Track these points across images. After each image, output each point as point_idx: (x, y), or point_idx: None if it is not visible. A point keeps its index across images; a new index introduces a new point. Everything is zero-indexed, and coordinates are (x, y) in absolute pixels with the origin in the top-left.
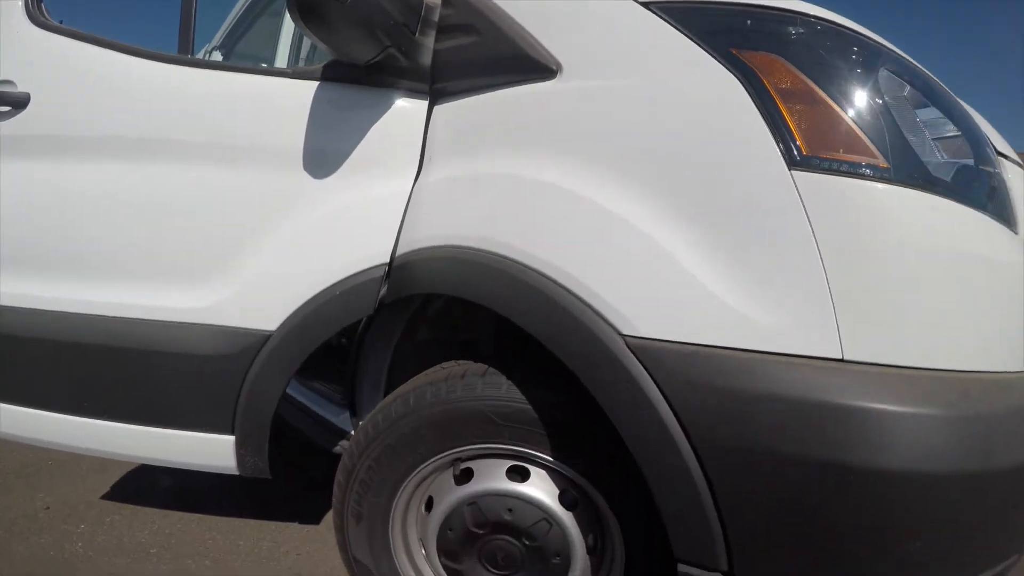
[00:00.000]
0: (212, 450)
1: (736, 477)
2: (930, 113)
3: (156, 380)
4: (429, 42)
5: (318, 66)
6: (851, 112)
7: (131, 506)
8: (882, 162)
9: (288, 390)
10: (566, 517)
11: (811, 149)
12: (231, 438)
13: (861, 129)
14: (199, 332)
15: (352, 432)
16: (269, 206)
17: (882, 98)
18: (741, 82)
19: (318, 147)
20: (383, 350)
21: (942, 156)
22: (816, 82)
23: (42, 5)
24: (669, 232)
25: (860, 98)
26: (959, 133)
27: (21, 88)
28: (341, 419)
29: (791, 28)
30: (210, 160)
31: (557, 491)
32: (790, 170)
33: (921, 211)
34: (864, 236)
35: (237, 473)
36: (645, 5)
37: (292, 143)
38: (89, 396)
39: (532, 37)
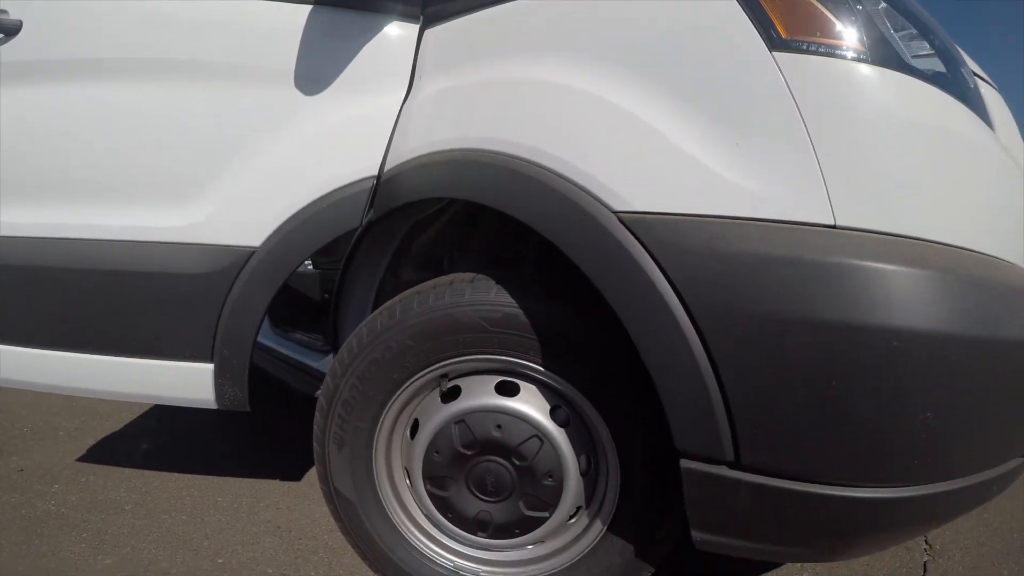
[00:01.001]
0: (190, 380)
1: (735, 343)
2: (905, 28)
3: (133, 305)
4: None
5: None
6: (829, 5)
7: (107, 467)
8: (858, 45)
9: (268, 342)
10: (558, 434)
11: (789, 33)
12: (210, 366)
13: (835, 16)
14: (180, 251)
15: None
16: (254, 124)
17: (861, 4)
18: None
19: (307, 68)
20: (366, 290)
21: (918, 39)
22: None
23: None
24: (657, 113)
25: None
26: (932, 52)
27: (14, 16)
28: (322, 363)
29: None
30: (197, 79)
31: (548, 407)
32: (771, 52)
33: (902, 89)
34: (847, 108)
35: (215, 407)
36: None
37: (280, 63)
38: (61, 327)
39: None
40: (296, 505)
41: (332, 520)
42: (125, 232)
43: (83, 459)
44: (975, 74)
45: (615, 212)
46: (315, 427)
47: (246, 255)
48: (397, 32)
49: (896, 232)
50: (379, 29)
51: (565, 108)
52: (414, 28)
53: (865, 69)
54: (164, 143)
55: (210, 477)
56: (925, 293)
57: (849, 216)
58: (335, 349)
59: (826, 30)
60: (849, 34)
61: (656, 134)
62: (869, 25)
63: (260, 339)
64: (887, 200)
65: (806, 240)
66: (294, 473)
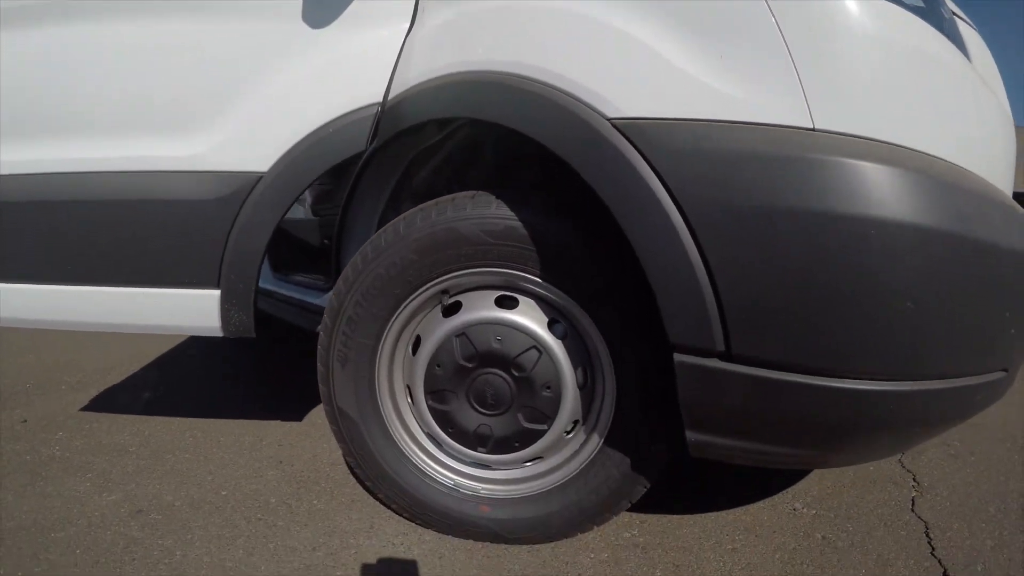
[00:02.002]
0: (197, 307)
1: (724, 236)
2: None
3: (142, 235)
4: None
5: None
6: None
7: (111, 415)
8: None
9: (270, 286)
10: (556, 345)
11: None
12: (216, 292)
13: None
14: (187, 179)
15: None
16: (260, 55)
17: None
18: None
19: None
20: (368, 224)
21: None
22: None
23: None
24: (648, 30)
25: None
26: None
27: None
28: (323, 299)
29: None
30: (201, 10)
31: (546, 319)
32: None
33: (881, 12)
34: (826, 26)
35: (221, 334)
36: None
37: None
38: (70, 261)
39: None
40: (298, 442)
41: (333, 454)
42: (133, 163)
43: (86, 408)
44: (954, 13)
45: (608, 118)
46: (319, 347)
47: (254, 180)
48: None
49: (871, 136)
50: None
51: (563, 28)
52: None
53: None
54: (169, 75)
55: (212, 420)
56: (899, 187)
57: (826, 120)
58: (336, 278)
59: None
60: None
61: (647, 48)
62: None
63: (262, 283)
64: (863, 107)
65: (787, 138)
66: (295, 414)
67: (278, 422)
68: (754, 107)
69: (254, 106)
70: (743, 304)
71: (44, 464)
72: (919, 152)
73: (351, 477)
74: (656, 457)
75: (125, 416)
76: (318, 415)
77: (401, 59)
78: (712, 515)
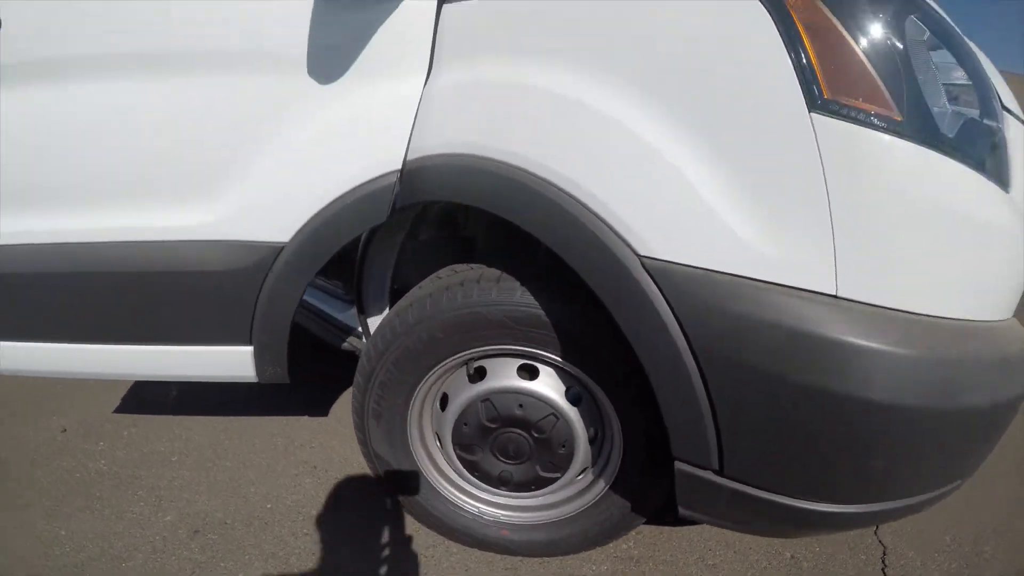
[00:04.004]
0: (232, 362)
1: (732, 390)
2: (943, 57)
3: (172, 300)
4: None
5: None
6: (873, 58)
7: (144, 417)
8: (896, 115)
9: None
10: (571, 412)
11: (832, 93)
12: (249, 348)
13: (881, 78)
14: (211, 248)
15: (359, 328)
16: (275, 115)
17: (904, 43)
18: (769, 11)
19: (323, 51)
20: (388, 249)
21: (951, 106)
22: (843, 23)
23: None
24: (687, 159)
25: (883, 43)
26: (969, 82)
27: None
28: (347, 316)
29: None
30: (207, 70)
31: (563, 388)
32: (810, 112)
33: (925, 168)
34: (871, 186)
35: (257, 380)
36: None
37: (295, 48)
38: (108, 323)
39: None
40: (327, 442)
41: (363, 458)
42: (159, 232)
43: (119, 410)
44: (1005, 107)
45: (639, 256)
46: (353, 401)
47: (276, 250)
48: (415, 7)
49: (890, 306)
50: (395, 4)
51: (597, 138)
52: (432, 3)
53: (897, 146)
54: (176, 140)
55: (242, 419)
56: (896, 371)
57: (850, 289)
58: (359, 304)
59: (871, 95)
60: (890, 97)
61: (681, 178)
62: (914, 93)
63: None
64: (888, 276)
65: (806, 311)
66: (320, 408)
67: (305, 418)
68: (785, 268)
69: (269, 172)
70: (739, 442)
71: (95, 482)
72: (936, 319)
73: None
74: (652, 501)
75: (158, 418)
76: (342, 410)
77: (419, 118)
78: (697, 530)
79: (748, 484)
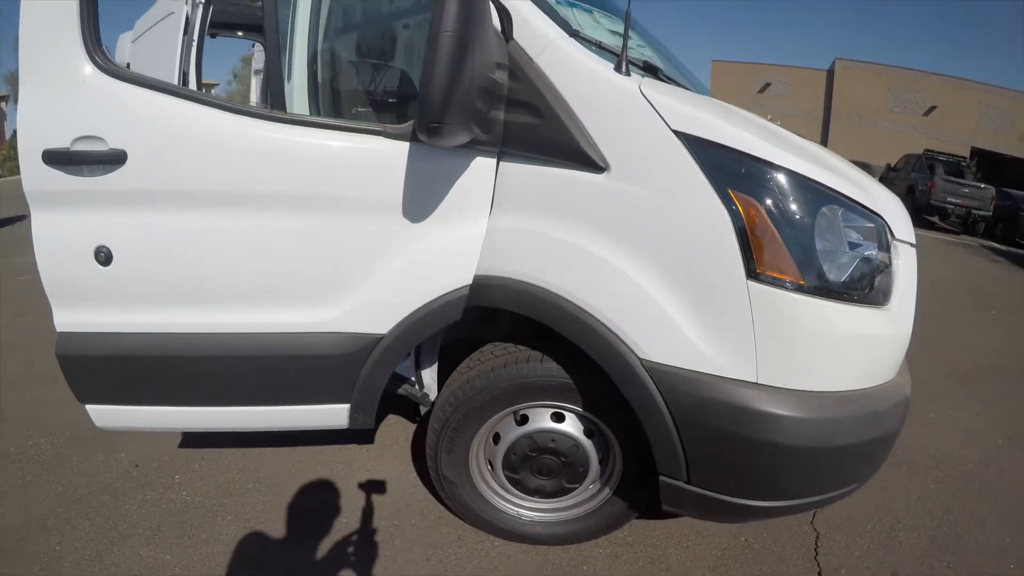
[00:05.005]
0: (331, 415)
1: (694, 436)
2: (848, 216)
3: (297, 373)
4: (500, 115)
5: (407, 126)
6: (791, 245)
7: (209, 450)
8: (800, 280)
9: None
10: (587, 443)
11: (762, 268)
12: (347, 406)
13: (793, 257)
14: (330, 338)
15: (412, 378)
16: (382, 245)
17: (813, 228)
18: (730, 215)
19: (415, 196)
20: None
21: (851, 251)
22: (776, 225)
23: (102, 48)
24: (669, 300)
25: (798, 233)
26: (873, 222)
27: (113, 145)
28: (403, 367)
29: (770, 177)
30: (333, 211)
31: (582, 427)
32: (747, 279)
33: (815, 310)
34: (780, 323)
35: (347, 427)
36: (675, 132)
37: (393, 193)
38: (242, 390)
39: (590, 136)
40: (377, 466)
41: (410, 476)
42: (287, 327)
43: (184, 445)
44: (897, 238)
45: (639, 358)
46: (428, 439)
47: (377, 340)
48: (481, 164)
49: (790, 387)
50: (467, 163)
51: (608, 281)
52: (493, 161)
53: (800, 298)
54: (311, 261)
55: (300, 448)
56: (792, 426)
57: (766, 378)
58: (416, 359)
59: (785, 269)
60: (798, 271)
61: (664, 312)
62: (815, 264)
63: None
64: (789, 371)
65: (738, 392)
66: (363, 436)
67: (355, 446)
68: (726, 367)
69: (376, 284)
70: (699, 464)
71: (183, 511)
72: (820, 392)
73: (431, 499)
74: (642, 502)
75: (221, 451)
76: (382, 436)
77: (484, 248)
78: (675, 522)
79: (706, 489)
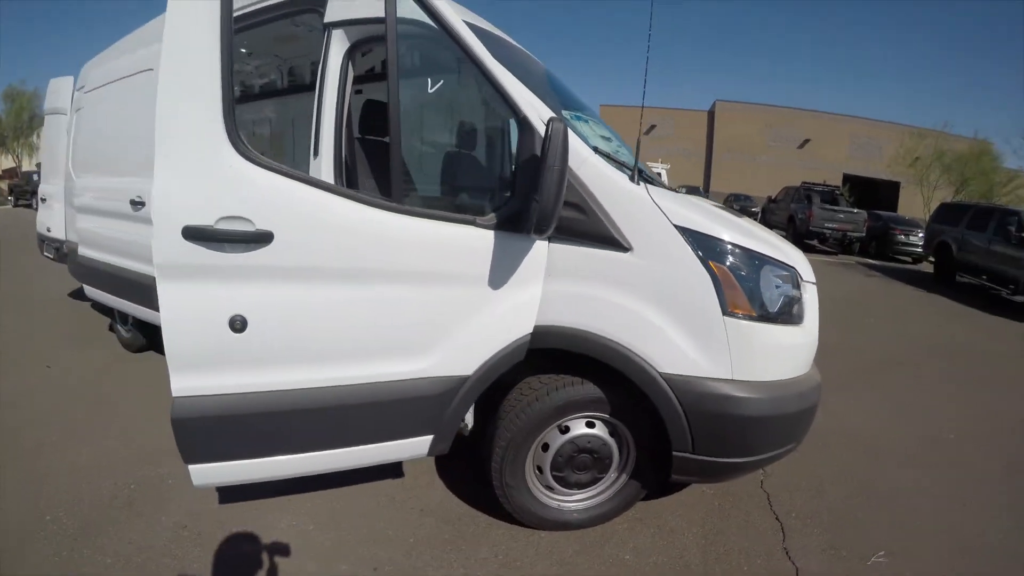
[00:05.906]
0: (415, 446)
1: (696, 418)
2: (776, 271)
3: (394, 415)
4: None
5: (491, 218)
6: (747, 290)
7: (251, 503)
8: (754, 312)
9: None
10: (611, 441)
11: (731, 308)
12: (430, 437)
13: (749, 299)
14: (424, 382)
15: None
16: (467, 308)
17: (760, 282)
18: (711, 277)
19: (495, 269)
20: None
21: (778, 291)
22: (737, 280)
23: (243, 137)
24: (673, 331)
25: (750, 285)
26: (790, 271)
27: (260, 226)
28: None
29: (731, 252)
30: (427, 282)
31: (608, 430)
32: (723, 316)
33: (764, 331)
34: (743, 340)
35: (425, 456)
36: (676, 227)
37: (481, 268)
38: (349, 433)
39: (619, 227)
40: (424, 494)
41: (453, 496)
42: (388, 376)
43: (224, 500)
44: (805, 280)
45: (659, 372)
46: (495, 455)
47: (463, 380)
48: (540, 246)
49: (753, 380)
50: (530, 246)
51: (634, 322)
52: (545, 243)
53: (756, 324)
54: (407, 322)
55: (343, 489)
56: (756, 404)
57: (738, 374)
58: None
59: (745, 307)
60: (752, 307)
61: (669, 337)
62: (761, 302)
63: None
64: (752, 369)
65: (720, 386)
66: (392, 470)
67: (388, 480)
68: (712, 370)
69: (462, 338)
70: (701, 439)
71: (261, 557)
72: (771, 381)
73: (478, 512)
74: (652, 484)
75: (263, 502)
76: (409, 465)
77: (540, 307)
78: (669, 500)
79: (706, 455)
